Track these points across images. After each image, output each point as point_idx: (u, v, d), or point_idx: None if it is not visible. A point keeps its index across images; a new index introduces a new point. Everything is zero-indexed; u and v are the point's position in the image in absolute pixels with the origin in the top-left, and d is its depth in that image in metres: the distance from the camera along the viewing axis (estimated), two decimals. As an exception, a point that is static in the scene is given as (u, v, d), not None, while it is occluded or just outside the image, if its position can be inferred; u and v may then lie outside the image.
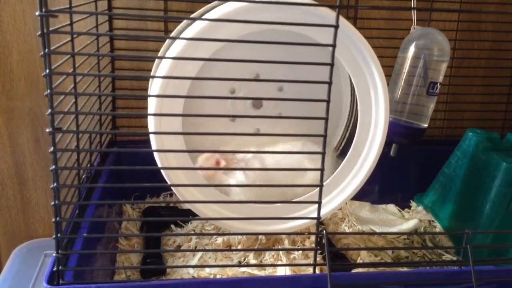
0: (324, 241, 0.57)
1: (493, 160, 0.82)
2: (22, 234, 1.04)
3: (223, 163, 0.73)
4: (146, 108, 0.66)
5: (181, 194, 0.69)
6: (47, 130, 0.48)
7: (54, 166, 0.49)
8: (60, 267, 0.53)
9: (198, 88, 0.75)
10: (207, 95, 0.74)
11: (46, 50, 0.46)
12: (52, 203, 0.51)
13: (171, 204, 0.94)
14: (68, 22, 0.61)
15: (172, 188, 0.73)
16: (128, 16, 0.98)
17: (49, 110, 0.47)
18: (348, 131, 0.86)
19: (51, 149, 0.48)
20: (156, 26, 0.99)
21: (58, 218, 0.52)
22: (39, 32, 0.45)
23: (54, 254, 0.53)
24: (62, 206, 0.53)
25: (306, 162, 0.73)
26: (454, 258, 0.81)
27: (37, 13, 0.45)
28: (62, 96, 0.53)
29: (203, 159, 0.73)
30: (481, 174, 0.83)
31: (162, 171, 0.65)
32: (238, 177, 0.73)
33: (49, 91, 0.47)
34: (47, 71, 0.46)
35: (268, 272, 0.71)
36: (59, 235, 0.52)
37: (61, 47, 0.56)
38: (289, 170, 0.69)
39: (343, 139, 0.86)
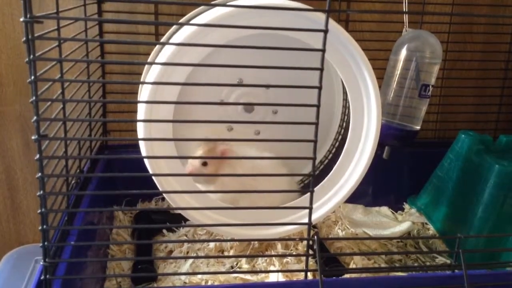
0: (315, 246, 0.57)
1: (486, 162, 0.82)
2: (12, 240, 1.04)
3: (228, 152, 0.73)
4: (137, 111, 0.66)
5: (173, 200, 0.68)
6: (33, 137, 0.47)
7: (40, 174, 0.48)
8: (48, 276, 0.52)
9: (188, 93, 0.74)
10: (198, 101, 0.74)
11: (31, 56, 0.45)
12: (39, 211, 0.50)
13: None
14: (56, 27, 0.60)
15: (164, 194, 0.72)
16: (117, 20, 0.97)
17: (35, 117, 0.46)
18: (341, 134, 0.85)
19: (37, 156, 0.48)
20: (147, 29, 0.98)
21: (45, 226, 0.51)
22: (24, 39, 0.45)
23: (41, 263, 0.52)
24: (50, 213, 0.52)
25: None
26: (448, 261, 0.81)
27: (21, 19, 0.44)
28: (49, 103, 0.53)
29: (204, 152, 0.73)
30: (474, 177, 0.83)
31: (153, 177, 0.65)
32: (238, 168, 0.74)
33: (34, 98, 0.46)
34: (32, 77, 0.46)
35: (260, 277, 0.71)
36: (46, 243, 0.52)
37: (49, 52, 0.55)
38: (279, 175, 0.69)
39: (336, 143, 0.86)
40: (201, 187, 0.74)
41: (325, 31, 0.51)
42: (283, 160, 0.77)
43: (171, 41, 0.65)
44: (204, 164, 0.73)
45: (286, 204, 0.71)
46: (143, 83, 0.64)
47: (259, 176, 0.70)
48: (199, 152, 0.73)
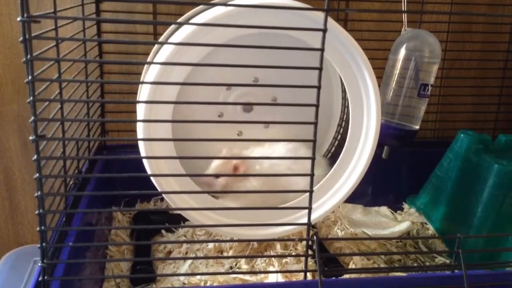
0: (315, 246, 0.56)
1: (485, 162, 0.81)
2: (11, 241, 1.03)
3: (242, 169, 0.72)
4: (136, 111, 0.65)
5: (172, 201, 0.68)
6: (30, 138, 0.46)
7: (38, 175, 0.48)
8: (46, 277, 0.52)
9: (187, 91, 0.74)
10: (197, 99, 0.74)
11: (29, 56, 0.45)
12: (37, 212, 0.50)
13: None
14: (54, 27, 0.60)
15: (163, 195, 0.72)
16: (115, 20, 0.96)
17: (32, 117, 0.46)
18: (340, 134, 0.85)
19: (35, 157, 0.47)
20: (145, 29, 0.98)
21: (43, 227, 0.51)
22: (21, 38, 0.44)
23: (39, 264, 0.52)
24: (48, 214, 0.52)
25: (295, 164, 0.73)
26: (447, 261, 0.81)
27: (18, 19, 0.44)
28: (46, 103, 0.52)
29: (217, 166, 0.73)
30: (473, 176, 0.83)
31: (152, 178, 0.65)
32: (252, 181, 0.73)
33: (31, 98, 0.46)
34: (30, 77, 0.45)
35: (259, 277, 0.70)
36: (44, 244, 0.51)
37: (47, 52, 0.55)
38: (279, 175, 0.68)
39: (335, 142, 0.86)
40: (221, 199, 0.74)
41: (324, 31, 0.50)
42: (306, 145, 0.76)
43: (169, 40, 0.65)
44: (217, 176, 0.73)
45: (318, 181, 0.71)
46: (141, 83, 0.64)
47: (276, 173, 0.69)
48: (212, 165, 0.73)
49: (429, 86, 0.84)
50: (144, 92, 0.63)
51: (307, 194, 0.56)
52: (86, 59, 0.81)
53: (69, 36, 0.78)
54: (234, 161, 0.73)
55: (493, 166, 0.79)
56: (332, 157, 0.85)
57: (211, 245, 0.79)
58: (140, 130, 0.64)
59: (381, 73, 0.86)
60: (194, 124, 0.78)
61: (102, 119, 0.96)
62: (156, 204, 0.95)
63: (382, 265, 0.78)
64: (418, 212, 0.96)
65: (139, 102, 0.65)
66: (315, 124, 0.52)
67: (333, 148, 0.86)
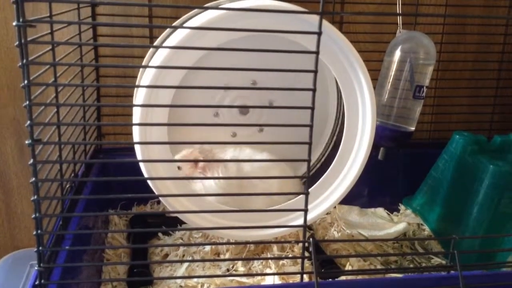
0: (311, 248, 0.57)
1: (480, 163, 0.82)
2: (8, 245, 1.03)
3: (201, 164, 0.73)
4: (132, 114, 0.65)
5: (169, 203, 0.68)
6: (26, 142, 0.47)
7: (34, 179, 0.48)
8: (42, 281, 0.52)
9: (183, 92, 0.74)
10: (194, 100, 0.74)
11: (24, 60, 0.45)
12: (33, 216, 0.50)
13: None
14: (49, 31, 0.60)
15: (160, 198, 0.72)
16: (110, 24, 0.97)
17: (28, 122, 0.46)
18: (335, 135, 0.85)
19: (31, 161, 0.47)
20: (141, 32, 0.98)
21: (39, 231, 0.51)
22: (17, 43, 0.44)
23: (36, 268, 0.52)
24: (44, 218, 0.52)
25: (272, 171, 0.75)
26: (443, 262, 0.81)
27: (14, 23, 0.44)
28: (43, 107, 0.52)
29: (181, 157, 0.74)
30: (469, 177, 0.83)
31: (149, 181, 0.65)
32: (214, 174, 0.74)
33: (27, 102, 0.46)
34: (26, 82, 0.45)
35: (256, 279, 0.70)
36: (41, 248, 0.51)
37: (43, 56, 0.55)
38: (274, 178, 0.68)
39: (330, 143, 0.86)
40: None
41: (319, 34, 0.51)
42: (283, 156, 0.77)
43: (165, 44, 0.65)
44: (179, 168, 0.74)
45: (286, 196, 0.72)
46: (137, 86, 0.64)
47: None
48: (177, 155, 0.74)
49: (424, 87, 0.84)
50: (140, 95, 0.63)
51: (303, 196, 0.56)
52: (82, 62, 0.81)
53: (65, 40, 0.78)
54: (195, 155, 0.73)
55: (489, 167, 0.79)
56: (328, 158, 0.85)
57: (208, 247, 0.79)
58: (136, 132, 0.64)
59: (376, 75, 0.86)
60: (190, 121, 0.78)
61: (98, 122, 0.96)
62: (153, 206, 0.95)
63: (379, 266, 0.78)
64: (414, 213, 0.96)
65: (134, 105, 0.65)
66: (311, 126, 0.52)
67: (329, 150, 0.86)
